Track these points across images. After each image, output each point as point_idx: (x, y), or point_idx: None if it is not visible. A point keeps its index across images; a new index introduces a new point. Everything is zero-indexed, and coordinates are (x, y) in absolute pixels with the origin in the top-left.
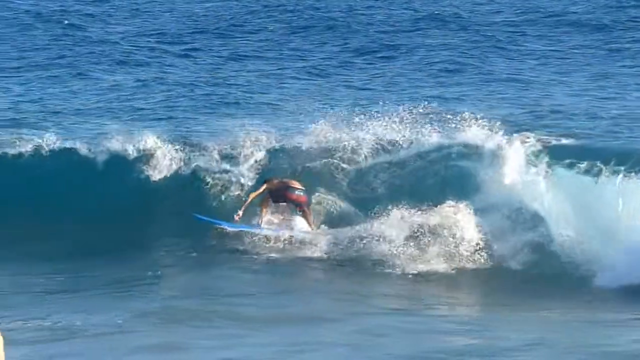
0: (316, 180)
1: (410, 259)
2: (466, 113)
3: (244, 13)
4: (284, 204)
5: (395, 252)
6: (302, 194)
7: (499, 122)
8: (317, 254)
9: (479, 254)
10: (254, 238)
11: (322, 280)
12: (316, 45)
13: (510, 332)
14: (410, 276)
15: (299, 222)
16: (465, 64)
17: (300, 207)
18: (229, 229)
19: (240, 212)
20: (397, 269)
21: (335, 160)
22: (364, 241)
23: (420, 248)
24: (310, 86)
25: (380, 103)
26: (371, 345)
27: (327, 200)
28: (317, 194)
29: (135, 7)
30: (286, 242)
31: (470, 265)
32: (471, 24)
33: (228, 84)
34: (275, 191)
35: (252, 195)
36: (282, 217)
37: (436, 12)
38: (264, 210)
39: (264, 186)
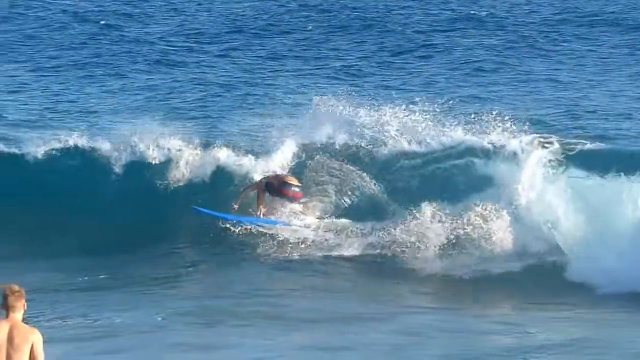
0: (346, 180)
1: (442, 259)
2: (494, 113)
3: (281, 12)
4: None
5: (427, 251)
6: (298, 190)
7: (529, 123)
8: (348, 253)
9: (509, 254)
10: (279, 237)
11: (355, 279)
12: (353, 45)
13: (545, 331)
14: (443, 276)
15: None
16: (502, 64)
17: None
18: (230, 220)
19: (236, 206)
20: (430, 269)
21: (365, 160)
22: (396, 240)
23: (452, 248)
24: (346, 86)
25: (407, 101)
26: (410, 344)
27: (355, 198)
28: (344, 192)
29: (172, 7)
30: (315, 241)
31: (501, 266)
32: (508, 24)
33: (265, 84)
34: (271, 186)
35: (248, 189)
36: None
37: (472, 12)
38: (261, 202)
39: (261, 180)
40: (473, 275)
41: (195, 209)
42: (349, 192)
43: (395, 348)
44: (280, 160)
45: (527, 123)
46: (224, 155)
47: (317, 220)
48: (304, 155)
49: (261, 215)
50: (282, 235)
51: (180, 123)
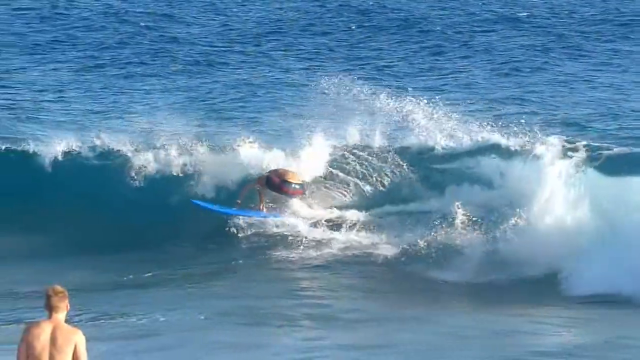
0: (381, 180)
1: (475, 261)
2: (525, 115)
3: (322, 12)
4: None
5: (462, 254)
6: (298, 187)
7: (564, 125)
8: (384, 254)
9: (540, 257)
10: (311, 237)
11: (392, 279)
12: (392, 45)
13: (585, 331)
14: (477, 277)
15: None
16: (541, 65)
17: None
18: (230, 214)
19: (239, 200)
20: (465, 270)
21: (394, 159)
22: (430, 242)
23: (486, 249)
24: (384, 86)
25: (444, 101)
26: (452, 345)
27: (386, 198)
28: (377, 193)
29: (212, 8)
30: (349, 241)
31: (535, 268)
32: (548, 24)
33: (302, 84)
34: (272, 182)
35: (250, 184)
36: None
37: (513, 12)
38: (262, 197)
39: (262, 176)
40: (509, 277)
41: (195, 202)
42: (381, 191)
43: (436, 348)
44: (308, 157)
45: (561, 125)
46: (251, 154)
47: (326, 214)
48: (334, 153)
49: (263, 210)
50: (312, 235)
51: (218, 123)
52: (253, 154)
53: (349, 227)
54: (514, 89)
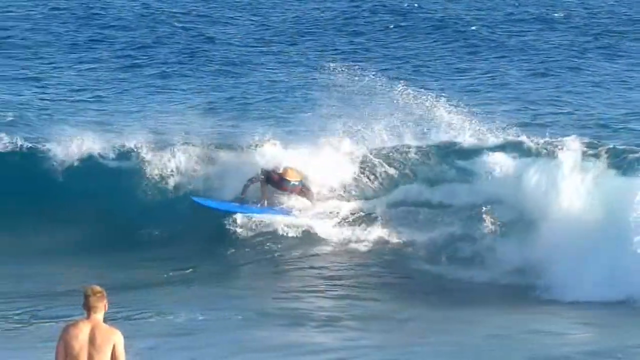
0: (415, 181)
1: (504, 259)
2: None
3: (358, 12)
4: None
5: (498, 252)
6: (296, 184)
7: (596, 126)
8: (419, 255)
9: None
10: (336, 237)
11: (431, 281)
12: (428, 45)
13: (628, 331)
14: (514, 278)
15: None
16: (577, 65)
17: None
18: (231, 211)
19: (242, 195)
20: (494, 270)
21: (421, 159)
22: (459, 242)
23: (511, 249)
24: (417, 86)
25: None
26: (495, 345)
27: (420, 198)
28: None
29: (248, 7)
30: (384, 241)
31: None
32: (583, 25)
33: (338, 85)
34: (272, 179)
35: (250, 183)
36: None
37: (549, 13)
38: (264, 194)
39: (261, 176)
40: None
41: (195, 200)
42: (402, 189)
43: (481, 349)
44: (329, 156)
45: (596, 126)
46: (270, 153)
47: (329, 210)
48: (356, 152)
49: (266, 205)
50: (344, 235)
51: (250, 123)
52: (272, 153)
53: (373, 224)
54: (549, 89)
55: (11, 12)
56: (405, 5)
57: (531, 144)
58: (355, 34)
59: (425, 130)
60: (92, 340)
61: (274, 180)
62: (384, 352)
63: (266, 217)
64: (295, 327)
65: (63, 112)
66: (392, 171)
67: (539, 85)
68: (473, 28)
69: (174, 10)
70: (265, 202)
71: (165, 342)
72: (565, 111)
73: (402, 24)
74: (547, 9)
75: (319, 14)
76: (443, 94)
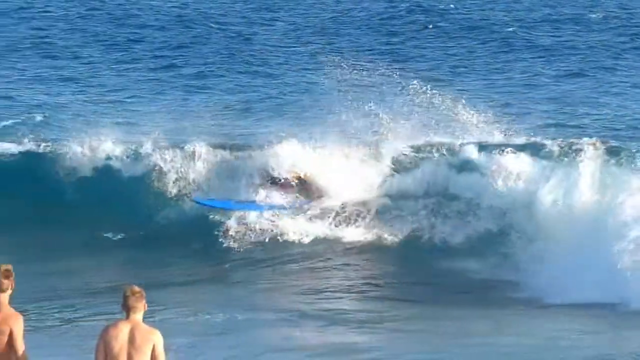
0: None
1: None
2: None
3: (395, 12)
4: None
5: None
6: (293, 184)
7: (628, 126)
8: (449, 254)
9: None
10: (362, 237)
11: (471, 282)
12: (460, 45)
13: None
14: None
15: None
16: (612, 65)
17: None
18: (233, 209)
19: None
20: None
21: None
22: (470, 240)
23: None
24: (446, 87)
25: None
26: (548, 347)
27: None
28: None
29: (285, 7)
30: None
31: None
32: (619, 25)
33: (368, 86)
34: (274, 180)
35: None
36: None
37: (583, 12)
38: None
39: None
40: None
41: (196, 200)
42: (415, 189)
43: (536, 349)
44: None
45: (629, 128)
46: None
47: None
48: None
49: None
50: (378, 234)
51: (278, 122)
52: (288, 153)
53: (399, 223)
54: (584, 90)
55: (49, 12)
56: (442, 6)
57: (550, 145)
58: (391, 34)
59: (445, 129)
60: (131, 341)
61: (273, 179)
62: (424, 355)
63: (267, 212)
64: (333, 328)
65: (98, 113)
66: (413, 171)
67: (575, 85)
68: (510, 29)
69: (211, 11)
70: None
71: (203, 340)
72: (600, 112)
73: (440, 24)
74: (585, 10)
75: (356, 13)
76: (464, 94)
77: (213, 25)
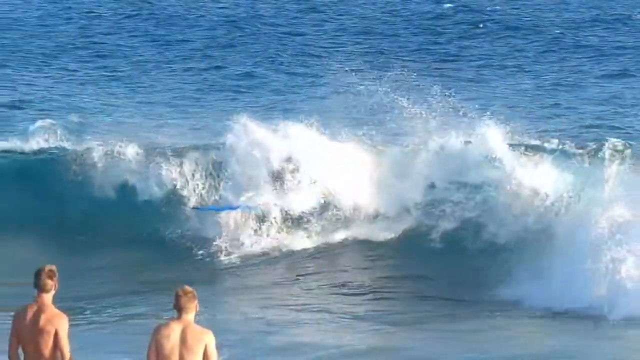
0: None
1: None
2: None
3: (437, 14)
4: None
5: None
6: (296, 181)
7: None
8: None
9: None
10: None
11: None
12: (505, 45)
13: None
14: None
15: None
16: None
17: None
18: (235, 210)
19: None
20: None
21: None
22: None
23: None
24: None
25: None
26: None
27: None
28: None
29: (328, 5)
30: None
31: None
32: None
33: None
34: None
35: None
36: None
37: (628, 12)
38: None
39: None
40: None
41: (197, 209)
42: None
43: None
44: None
45: None
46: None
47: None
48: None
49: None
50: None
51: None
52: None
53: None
54: (626, 91)
55: (96, 12)
56: (487, 7)
57: (569, 148)
58: (438, 34)
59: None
60: (183, 341)
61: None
62: (473, 354)
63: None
64: (386, 329)
65: (137, 114)
66: (425, 170)
67: (619, 86)
68: (558, 31)
69: (258, 13)
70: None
71: (255, 340)
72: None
73: (489, 23)
74: (629, 9)
75: (400, 13)
76: (512, 94)
77: (259, 25)
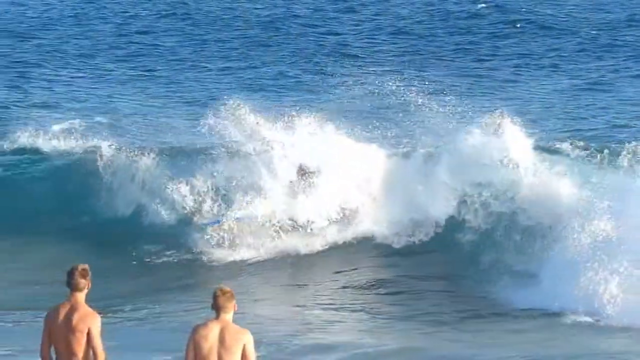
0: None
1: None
2: None
3: (471, 13)
4: None
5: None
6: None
7: None
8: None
9: None
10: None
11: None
12: (537, 45)
13: None
14: None
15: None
16: None
17: None
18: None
19: None
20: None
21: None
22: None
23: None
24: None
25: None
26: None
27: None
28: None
29: (365, 4)
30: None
31: None
32: None
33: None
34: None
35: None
36: None
37: None
38: None
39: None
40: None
41: (203, 224)
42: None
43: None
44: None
45: None
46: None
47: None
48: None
49: None
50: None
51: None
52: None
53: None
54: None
55: (134, 13)
56: (522, 8)
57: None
58: (467, 33)
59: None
60: (221, 340)
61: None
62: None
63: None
64: (421, 329)
65: (174, 115)
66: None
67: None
68: (594, 31)
69: (296, 13)
70: None
71: (297, 337)
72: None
73: (518, 25)
74: None
75: (435, 12)
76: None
77: (294, 25)
